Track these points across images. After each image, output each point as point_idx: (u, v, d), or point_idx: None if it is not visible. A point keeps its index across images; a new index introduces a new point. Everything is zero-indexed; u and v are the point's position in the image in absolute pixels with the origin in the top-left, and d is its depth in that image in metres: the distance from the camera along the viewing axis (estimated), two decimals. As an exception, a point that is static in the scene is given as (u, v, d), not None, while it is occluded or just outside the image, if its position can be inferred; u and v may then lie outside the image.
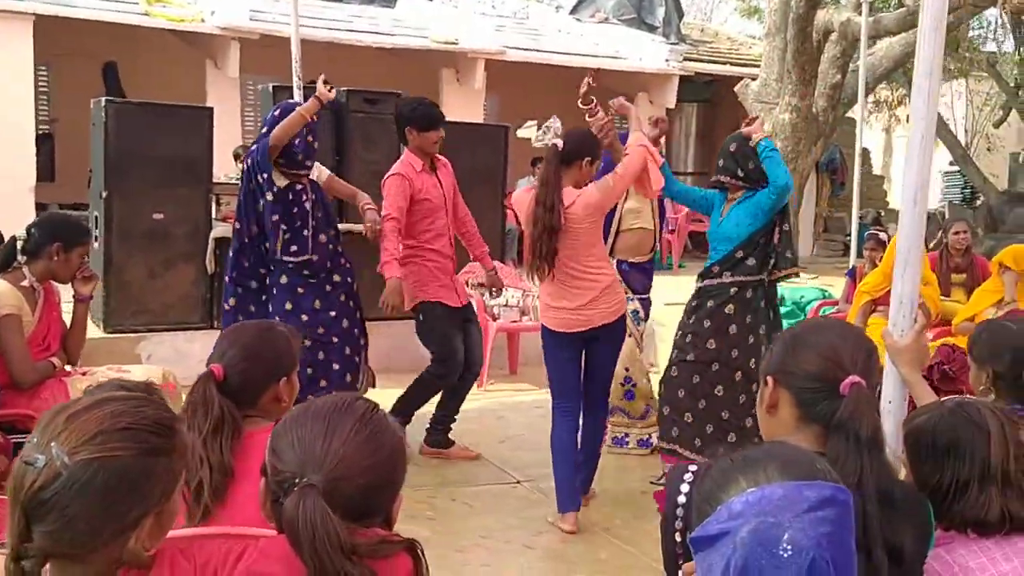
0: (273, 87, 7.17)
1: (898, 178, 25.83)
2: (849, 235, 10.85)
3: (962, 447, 1.93)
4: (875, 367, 1.87)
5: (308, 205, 5.07)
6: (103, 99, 6.79)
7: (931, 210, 18.49)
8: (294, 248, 5.03)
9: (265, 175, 4.97)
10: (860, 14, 9.43)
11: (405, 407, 5.33)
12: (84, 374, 4.20)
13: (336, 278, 5.20)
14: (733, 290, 4.58)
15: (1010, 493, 1.90)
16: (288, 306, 5.04)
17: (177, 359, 6.83)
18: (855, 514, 1.67)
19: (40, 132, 11.86)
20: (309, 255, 5.06)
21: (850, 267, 7.94)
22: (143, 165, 6.78)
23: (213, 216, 7.35)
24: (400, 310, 5.22)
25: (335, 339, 5.10)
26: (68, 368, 4.21)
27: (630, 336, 5.40)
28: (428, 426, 5.52)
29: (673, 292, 6.90)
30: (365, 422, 1.48)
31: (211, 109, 7.13)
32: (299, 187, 5.06)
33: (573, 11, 14.24)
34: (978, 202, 17.93)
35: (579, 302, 4.45)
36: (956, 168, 18.71)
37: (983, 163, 19.49)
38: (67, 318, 4.26)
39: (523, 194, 4.66)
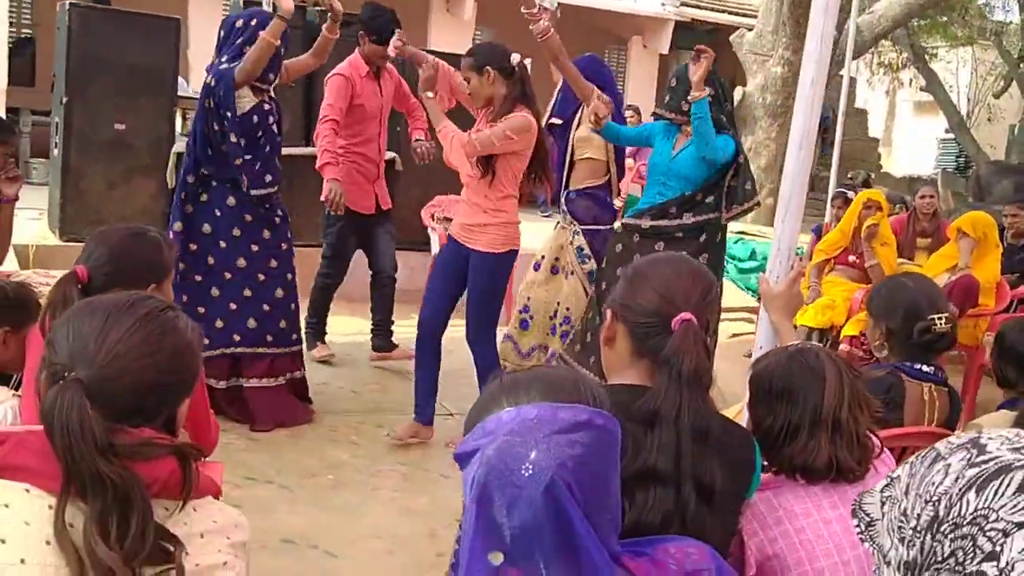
0: (244, 0, 7.06)
1: (900, 142, 25.69)
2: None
3: (795, 392, 1.92)
4: (712, 304, 1.84)
5: (275, 127, 4.74)
6: (68, 2, 6.67)
7: (925, 176, 18.40)
8: (268, 178, 4.71)
9: (228, 110, 4.54)
10: (856, -31, 9.25)
11: (312, 314, 5.69)
12: (8, 277, 4.17)
13: (280, 213, 4.84)
14: (690, 233, 4.37)
15: (840, 441, 1.89)
16: (236, 232, 4.67)
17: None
18: (666, 444, 1.68)
19: (22, 36, 11.76)
20: (276, 184, 4.75)
21: (815, 224, 7.89)
22: (106, 73, 6.69)
23: (178, 130, 7.28)
24: (342, 208, 5.22)
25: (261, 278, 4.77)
26: (-8, 269, 4.19)
27: (572, 274, 5.14)
28: (371, 331, 5.82)
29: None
30: (147, 320, 1.45)
31: (178, 20, 7.01)
32: (266, 107, 4.67)
33: (573, -52, 13.96)
34: (971, 171, 17.80)
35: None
36: (952, 136, 18.54)
37: (983, 133, 19.35)
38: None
39: None
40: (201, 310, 4.65)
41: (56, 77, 6.97)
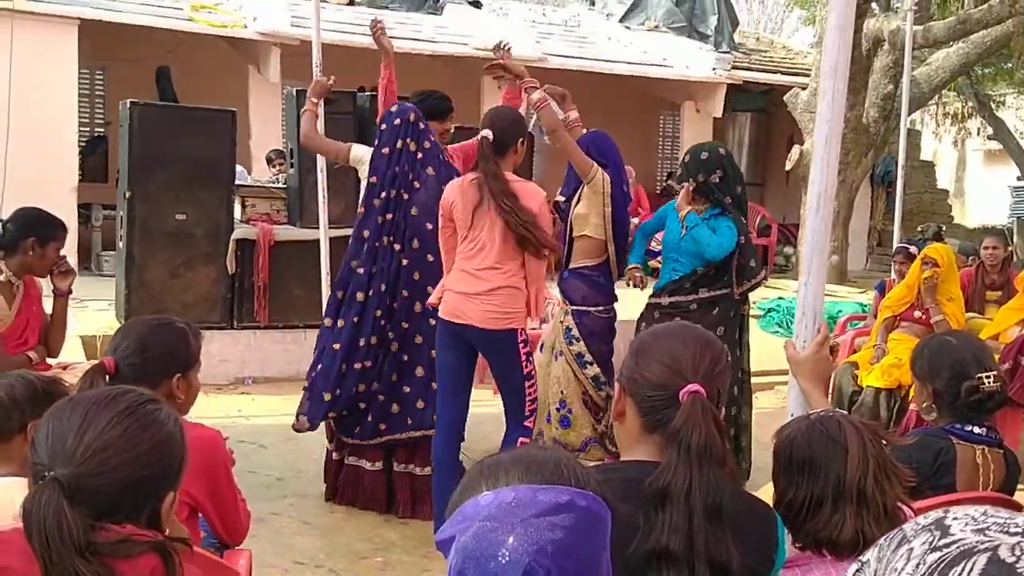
0: (297, 91, 7.26)
1: (972, 192, 25.13)
2: (901, 249, 10.58)
3: (817, 463, 1.84)
4: (721, 373, 1.78)
5: None
6: (129, 101, 6.93)
7: (1000, 225, 17.93)
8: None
9: None
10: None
11: None
12: (64, 368, 4.28)
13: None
14: (703, 307, 4.54)
15: (866, 514, 1.80)
16: None
17: (196, 357, 6.95)
18: (674, 524, 1.61)
19: (96, 135, 12.24)
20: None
21: (878, 281, 7.71)
22: (166, 166, 6.91)
23: (237, 218, 7.46)
24: None
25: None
26: (49, 361, 4.30)
27: (561, 355, 4.93)
28: None
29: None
30: (126, 415, 1.46)
31: (233, 112, 7.22)
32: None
33: (623, 19, 14.14)
34: (1048, 218, 17.31)
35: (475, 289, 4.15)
36: (1025, 183, 18.10)
37: (1058, 178, 18.83)
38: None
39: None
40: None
41: (120, 173, 7.22)
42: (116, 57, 11.14)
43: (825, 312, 9.04)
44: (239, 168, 8.51)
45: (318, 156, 6.65)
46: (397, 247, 4.71)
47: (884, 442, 1.89)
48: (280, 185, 8.44)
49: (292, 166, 7.50)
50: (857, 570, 0.93)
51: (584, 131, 5.10)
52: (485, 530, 1.18)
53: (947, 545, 0.83)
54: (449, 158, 5.55)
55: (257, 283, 7.17)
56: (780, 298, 9.72)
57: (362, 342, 4.68)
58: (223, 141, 7.12)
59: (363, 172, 4.89)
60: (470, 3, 13.16)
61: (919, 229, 15.76)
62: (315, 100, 5.12)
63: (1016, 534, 0.82)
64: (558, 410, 4.92)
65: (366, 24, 5.37)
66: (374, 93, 7.35)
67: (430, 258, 4.60)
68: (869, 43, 11.06)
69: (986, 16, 10.36)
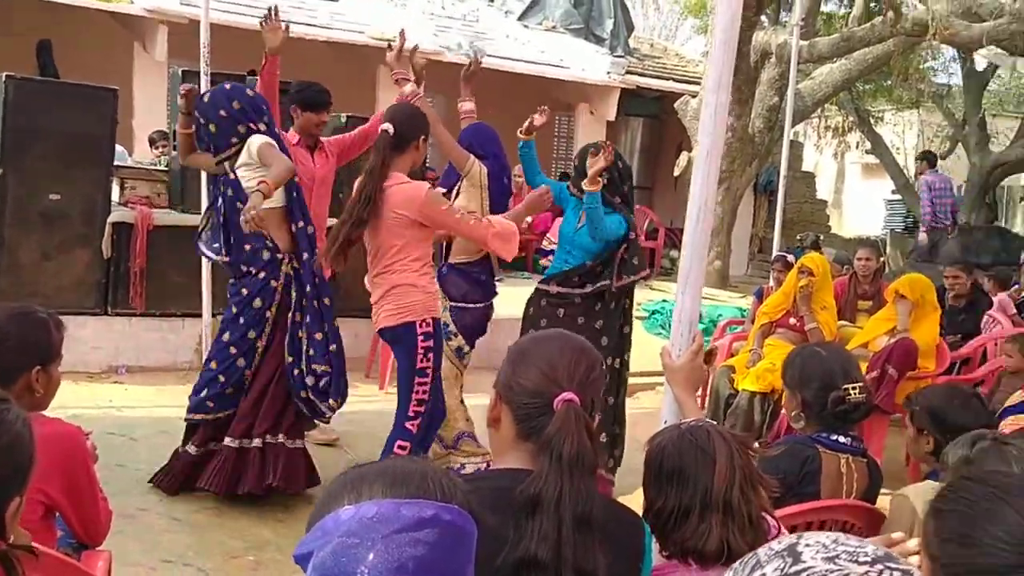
0: (183, 71, 7.05)
1: (849, 203, 26.09)
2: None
3: (686, 473, 1.87)
4: (596, 381, 1.79)
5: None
6: (4, 75, 6.61)
7: (873, 237, 18.66)
8: (216, 245, 4.79)
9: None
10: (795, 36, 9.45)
11: None
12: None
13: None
14: (588, 300, 4.66)
15: (731, 524, 1.84)
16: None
17: (67, 344, 6.65)
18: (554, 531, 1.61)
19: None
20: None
21: (756, 288, 7.93)
22: (42, 144, 6.62)
23: (115, 199, 7.20)
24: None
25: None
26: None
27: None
28: None
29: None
30: None
31: (115, 90, 6.95)
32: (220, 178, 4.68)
33: (522, 17, 14.20)
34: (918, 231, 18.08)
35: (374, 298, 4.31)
36: (899, 197, 18.86)
37: (930, 194, 19.67)
38: None
39: None
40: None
41: (-8, 149, 6.88)
42: (-7, 28, 10.63)
43: (706, 316, 9.29)
44: (119, 148, 8.21)
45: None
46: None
47: (751, 453, 1.93)
48: (162, 168, 8.17)
49: (175, 148, 7.27)
50: None
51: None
52: (344, 546, 1.15)
53: (797, 573, 0.85)
54: (325, 152, 5.46)
55: (134, 268, 6.93)
56: (664, 300, 9.90)
57: None
58: (103, 120, 6.85)
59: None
60: (367, -9, 13.01)
61: (798, 238, 16.25)
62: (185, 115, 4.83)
63: (865, 563, 0.84)
64: None
65: (258, 5, 5.29)
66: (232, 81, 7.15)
67: None
68: (757, 55, 11.36)
69: (868, 35, 10.75)
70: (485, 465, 4.81)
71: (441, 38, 12.18)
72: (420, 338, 4.19)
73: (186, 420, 4.72)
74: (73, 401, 5.97)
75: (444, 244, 5.14)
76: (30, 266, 6.72)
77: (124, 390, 6.52)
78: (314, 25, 10.87)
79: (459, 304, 4.98)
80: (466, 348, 4.98)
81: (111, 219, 6.87)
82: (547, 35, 13.72)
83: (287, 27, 5.05)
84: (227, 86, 4.76)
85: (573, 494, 1.64)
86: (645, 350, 6.50)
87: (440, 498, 1.23)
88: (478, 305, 5.02)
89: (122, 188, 7.42)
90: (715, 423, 1.98)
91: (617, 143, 14.66)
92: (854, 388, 2.74)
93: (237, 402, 4.62)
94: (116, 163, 7.44)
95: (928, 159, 13.51)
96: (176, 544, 4.10)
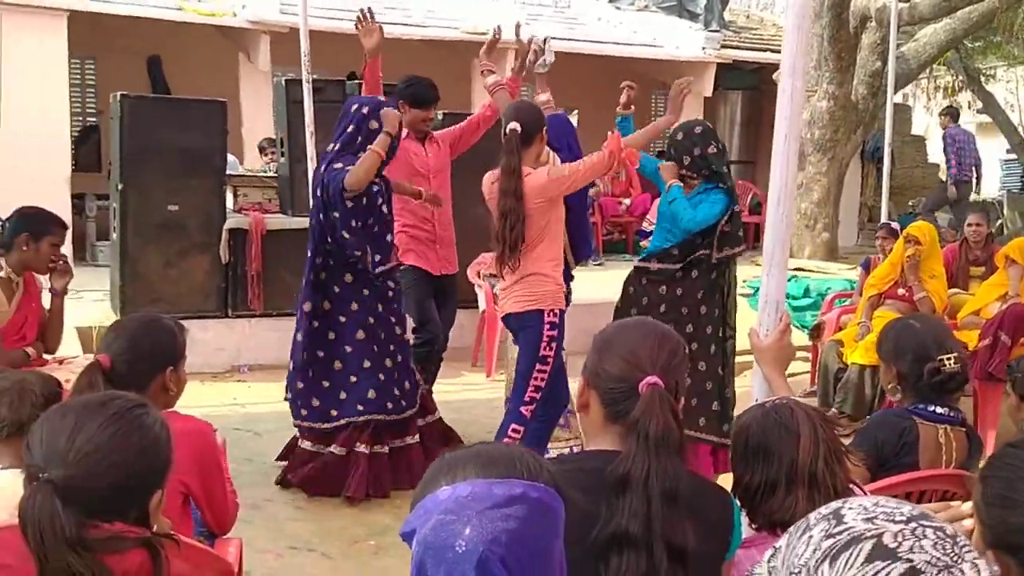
0: (286, 80, 7.34)
1: (964, 165, 25.17)
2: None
3: (771, 449, 1.94)
4: (679, 365, 1.89)
5: (383, 206, 4.82)
6: (119, 94, 6.99)
7: (990, 198, 18.01)
8: (378, 257, 4.81)
9: (336, 210, 4.67)
10: None
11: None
12: (61, 363, 4.38)
13: (392, 285, 5.00)
14: (687, 272, 4.64)
15: (818, 496, 1.90)
16: (354, 307, 4.85)
17: (191, 347, 6.99)
18: (634, 509, 1.71)
19: (88, 124, 12.30)
20: (386, 263, 4.85)
21: (863, 259, 7.80)
22: (158, 158, 6.97)
23: (229, 207, 7.54)
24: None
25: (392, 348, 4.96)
26: (46, 357, 4.40)
27: None
28: None
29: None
30: (115, 420, 1.55)
31: (223, 102, 7.27)
32: (374, 187, 4.74)
33: (612, -1, 14.17)
34: (1038, 190, 17.39)
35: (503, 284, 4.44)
36: (1014, 156, 18.14)
37: (1050, 150, 18.87)
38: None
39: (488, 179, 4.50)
40: (326, 384, 4.87)
41: (112, 164, 7.29)
42: (106, 47, 11.18)
43: (814, 290, 9.14)
44: (231, 158, 8.58)
45: (308, 144, 6.74)
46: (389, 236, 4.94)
47: (835, 427, 1.99)
48: (271, 174, 8.50)
49: (283, 155, 7.57)
50: (771, 555, 1.03)
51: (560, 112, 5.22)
52: (443, 523, 1.28)
53: (840, 532, 0.93)
54: (436, 142, 5.63)
55: (250, 272, 7.24)
56: (770, 276, 9.77)
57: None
58: (213, 131, 7.17)
59: None
60: (459, -14, 13.17)
61: (910, 204, 15.86)
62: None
63: (900, 522, 0.92)
64: None
65: (354, 9, 5.43)
66: (287, 79, 7.37)
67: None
68: (856, 20, 11.10)
69: (971, -8, 10.41)
70: (570, 449, 4.96)
71: (532, 27, 12.26)
72: (547, 327, 4.37)
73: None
74: (200, 400, 6.29)
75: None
76: (153, 274, 7.10)
77: (247, 388, 6.84)
78: (409, 24, 11.10)
79: None
80: None
81: (227, 226, 7.20)
82: (639, 15, 13.66)
83: (381, 27, 5.19)
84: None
85: (660, 472, 1.74)
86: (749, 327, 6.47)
87: (527, 477, 1.35)
88: None
89: (235, 195, 7.77)
90: (798, 400, 2.04)
91: (715, 119, 14.52)
92: (949, 359, 2.74)
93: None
94: (228, 172, 7.79)
95: (951, 114, 14.09)
96: (301, 531, 4.33)
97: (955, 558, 0.90)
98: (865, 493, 2.02)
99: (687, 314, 4.58)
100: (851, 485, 1.98)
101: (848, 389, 6.11)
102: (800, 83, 2.26)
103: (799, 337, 8.25)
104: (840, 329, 6.84)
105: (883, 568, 0.88)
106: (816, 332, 7.20)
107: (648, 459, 1.74)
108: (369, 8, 5.26)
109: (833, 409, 6.12)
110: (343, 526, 4.43)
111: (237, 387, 6.85)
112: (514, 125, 4.28)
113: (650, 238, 5.52)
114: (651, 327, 1.94)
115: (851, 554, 0.90)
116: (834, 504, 0.99)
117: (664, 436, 1.76)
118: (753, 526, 1.98)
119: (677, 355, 1.89)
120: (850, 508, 0.96)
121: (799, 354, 7.99)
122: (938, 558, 0.89)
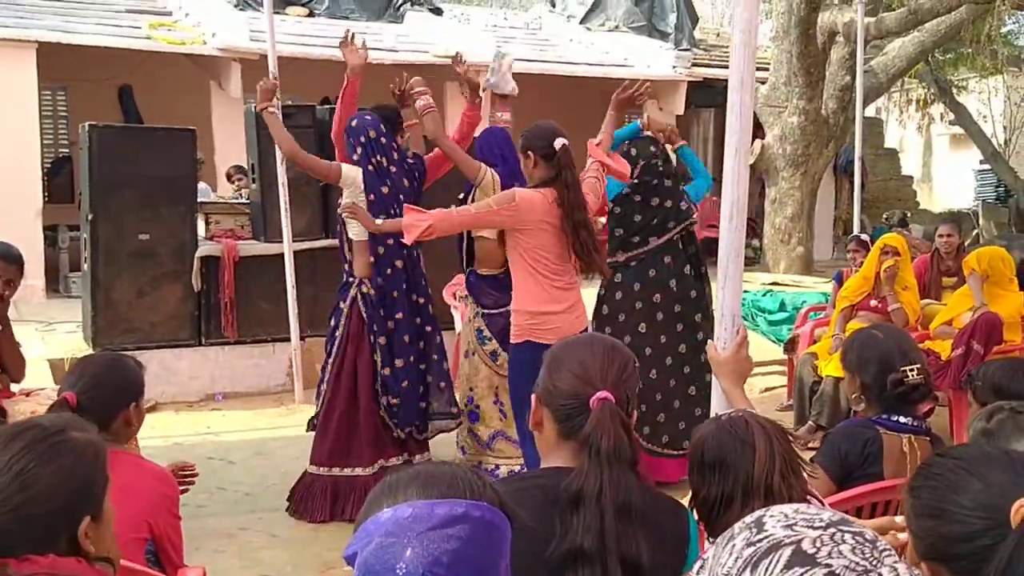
0: (256, 105, 7.32)
1: (939, 176, 25.41)
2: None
3: (726, 462, 1.93)
4: (629, 379, 1.88)
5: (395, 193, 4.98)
6: (87, 124, 6.97)
7: (964, 209, 18.17)
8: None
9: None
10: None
11: None
12: (28, 395, 4.33)
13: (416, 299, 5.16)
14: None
15: (774, 507, 1.89)
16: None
17: (166, 376, 7.01)
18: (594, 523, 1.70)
19: (60, 155, 12.24)
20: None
21: (836, 272, 7.84)
22: (128, 187, 6.96)
23: (201, 235, 7.51)
24: None
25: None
26: (13, 388, 4.36)
27: (474, 354, 5.18)
28: None
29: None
30: (24, 454, 1.51)
31: (193, 130, 7.26)
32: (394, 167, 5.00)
33: (584, 20, 14.24)
34: (1011, 200, 17.54)
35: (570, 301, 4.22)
36: (988, 167, 18.32)
37: (1023, 160, 19.10)
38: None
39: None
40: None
41: (82, 195, 7.25)
42: (77, 78, 11.14)
43: (789, 304, 9.16)
44: (202, 185, 8.56)
45: (279, 170, 6.73)
46: (399, 263, 4.96)
47: (791, 439, 1.98)
48: (243, 200, 8.48)
49: (254, 181, 7.55)
50: (700, 567, 1.02)
51: None
52: (383, 545, 1.26)
53: (760, 540, 0.93)
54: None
55: (224, 299, 7.22)
56: (745, 291, 9.81)
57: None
58: (184, 160, 7.16)
59: (351, 192, 4.92)
60: (431, 10, 13.23)
61: (884, 217, 15.93)
62: (268, 105, 5.16)
63: (819, 528, 0.92)
64: (466, 405, 5.17)
65: (326, 36, 5.48)
66: (335, 106, 7.38)
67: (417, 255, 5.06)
68: (824, 36, 11.21)
69: (936, 6, 10.52)
70: (520, 467, 4.90)
71: (505, 48, 12.32)
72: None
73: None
74: (173, 430, 6.27)
75: (466, 253, 5.18)
76: (125, 304, 7.06)
77: (221, 416, 6.80)
78: (380, 49, 11.11)
79: (491, 311, 5.09)
80: (500, 351, 5.03)
81: (199, 253, 7.17)
82: (610, 35, 13.74)
83: (366, 47, 5.15)
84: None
85: (613, 486, 1.73)
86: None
87: (470, 496, 1.33)
88: (505, 308, 4.97)
89: (207, 223, 7.74)
90: (753, 412, 2.04)
91: (688, 136, 14.59)
92: (911, 370, 2.75)
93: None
94: (200, 199, 7.77)
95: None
96: (275, 560, 4.29)
97: (874, 562, 0.90)
98: (823, 504, 2.01)
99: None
100: (808, 497, 1.97)
101: (823, 401, 6.13)
102: (748, 98, 2.27)
103: (774, 351, 8.28)
104: (815, 342, 6.86)
105: (801, 573, 0.87)
106: (791, 346, 7.22)
107: (601, 474, 1.74)
108: (350, 31, 5.26)
109: (810, 422, 6.13)
110: (317, 552, 4.39)
111: (211, 416, 6.81)
112: (563, 141, 4.17)
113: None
114: (600, 341, 1.94)
115: (771, 561, 0.90)
116: (757, 512, 0.99)
117: (616, 450, 1.75)
118: (711, 540, 1.97)
119: (627, 368, 1.88)
120: (771, 516, 0.96)
121: (775, 368, 8.03)
122: (856, 563, 0.89)
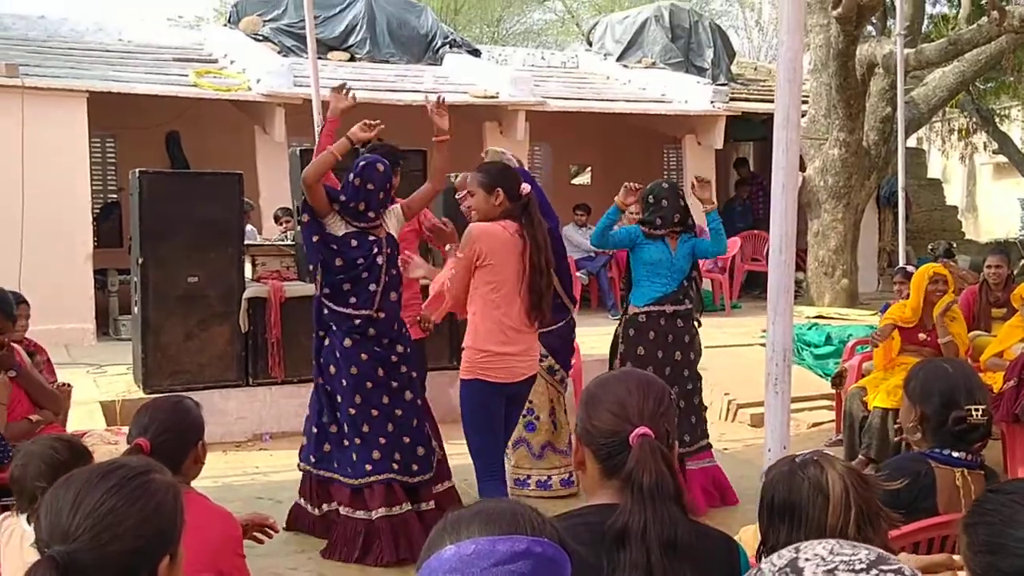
0: (301, 150, 7.44)
1: (984, 206, 25.13)
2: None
3: (797, 509, 1.90)
4: (667, 412, 1.88)
5: (380, 260, 4.89)
6: (137, 170, 7.13)
7: (1012, 238, 17.93)
8: (353, 300, 4.88)
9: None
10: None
11: None
12: (82, 436, 4.41)
13: (400, 348, 5.00)
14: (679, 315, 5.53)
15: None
16: (353, 370, 4.87)
17: (214, 417, 7.07)
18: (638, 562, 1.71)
19: (109, 200, 12.51)
20: (373, 311, 4.88)
21: (883, 305, 7.76)
22: (176, 231, 7.08)
23: (248, 276, 7.62)
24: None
25: (398, 412, 4.95)
26: (68, 430, 4.45)
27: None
28: None
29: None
30: (116, 489, 1.55)
31: (239, 175, 7.40)
32: (371, 239, 4.90)
33: (620, 58, 14.34)
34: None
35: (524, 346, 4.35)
36: (1034, 195, 18.08)
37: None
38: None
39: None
40: (327, 448, 4.99)
41: (132, 239, 7.40)
42: (126, 125, 11.40)
43: (837, 336, 9.08)
44: (249, 227, 8.70)
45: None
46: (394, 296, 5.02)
47: (871, 486, 1.94)
48: (288, 242, 8.60)
49: (299, 223, 7.65)
50: None
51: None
52: (449, 582, 1.29)
53: None
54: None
55: (270, 339, 7.30)
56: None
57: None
58: (231, 203, 7.29)
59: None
60: (469, 52, 13.39)
61: (929, 248, 15.75)
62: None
63: (861, 570, 0.91)
64: (525, 416, 5.43)
65: (367, 79, 5.58)
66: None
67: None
68: (863, 68, 11.18)
69: (976, 36, 10.48)
70: (568, 474, 5.61)
71: (542, 88, 12.43)
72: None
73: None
74: (222, 471, 6.32)
75: None
76: (174, 346, 7.16)
77: (269, 456, 6.85)
78: (420, 91, 11.28)
79: (543, 330, 5.04)
80: (557, 367, 5.54)
81: (246, 295, 7.27)
82: (647, 72, 13.82)
83: (355, 99, 5.17)
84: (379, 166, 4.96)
85: (657, 522, 1.73)
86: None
87: (531, 533, 1.35)
88: (558, 325, 5.37)
89: (254, 265, 7.85)
90: (830, 456, 2.00)
91: (727, 170, 14.60)
92: (976, 410, 2.70)
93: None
94: (247, 242, 7.89)
95: None
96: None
97: None
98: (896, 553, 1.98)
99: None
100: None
101: (871, 433, 6.05)
102: (795, 135, 2.29)
103: (821, 385, 8.20)
104: (863, 375, 6.78)
105: None
106: (839, 380, 7.15)
107: (644, 511, 1.74)
108: (344, 83, 5.28)
109: (860, 456, 6.05)
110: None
111: (259, 456, 6.86)
112: (528, 188, 4.35)
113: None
114: (635, 377, 1.94)
115: None
116: (788, 552, 0.98)
117: (658, 486, 1.76)
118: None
119: (663, 402, 1.88)
120: (807, 560, 0.96)
121: (822, 403, 7.95)
122: None
